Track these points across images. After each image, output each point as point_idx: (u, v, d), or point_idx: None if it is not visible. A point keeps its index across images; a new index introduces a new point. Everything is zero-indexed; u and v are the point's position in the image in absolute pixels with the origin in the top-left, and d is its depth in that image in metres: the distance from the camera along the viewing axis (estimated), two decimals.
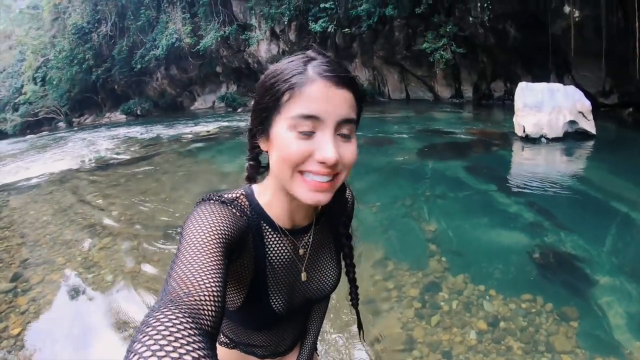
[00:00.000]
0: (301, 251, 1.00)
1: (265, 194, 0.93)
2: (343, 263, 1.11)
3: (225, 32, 21.72)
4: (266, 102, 0.81)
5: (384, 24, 16.39)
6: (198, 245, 0.71)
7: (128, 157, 11.44)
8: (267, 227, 0.94)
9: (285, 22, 19.17)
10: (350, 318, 3.21)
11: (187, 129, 16.06)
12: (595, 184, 6.22)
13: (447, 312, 3.33)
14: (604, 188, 5.99)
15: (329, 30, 17.53)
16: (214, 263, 0.68)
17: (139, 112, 29.85)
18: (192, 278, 0.63)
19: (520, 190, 6.07)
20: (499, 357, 2.87)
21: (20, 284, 4.26)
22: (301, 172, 0.79)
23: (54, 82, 32.13)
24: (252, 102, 0.87)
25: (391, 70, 17.90)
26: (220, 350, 1.15)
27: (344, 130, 0.80)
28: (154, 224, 5.43)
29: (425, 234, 4.69)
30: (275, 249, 0.95)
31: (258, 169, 0.97)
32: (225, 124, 16.60)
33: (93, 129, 24.17)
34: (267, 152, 0.86)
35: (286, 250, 0.97)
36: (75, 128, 30.05)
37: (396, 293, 3.58)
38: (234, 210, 0.87)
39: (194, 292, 0.60)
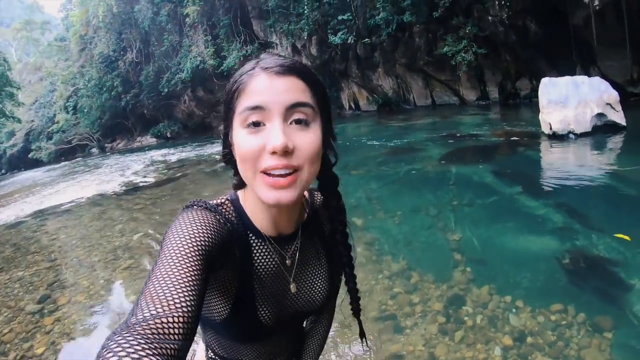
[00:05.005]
0: (288, 261, 0.96)
1: (249, 200, 0.90)
2: (341, 275, 1.07)
3: (247, 51, 21.98)
4: (226, 107, 0.83)
5: (404, 30, 16.29)
6: (175, 256, 0.68)
7: (155, 179, 11.70)
8: (252, 236, 0.90)
9: (305, 37, 19.26)
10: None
11: (214, 149, 16.24)
12: (629, 180, 5.81)
13: (471, 327, 3.18)
14: (639, 184, 5.59)
15: (348, 41, 17.55)
16: (190, 277, 0.65)
17: (168, 134, 30.67)
18: (163, 296, 0.61)
19: (548, 191, 5.78)
20: None
21: (47, 305, 4.35)
22: (263, 173, 0.76)
23: (85, 110, 33.48)
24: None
25: (414, 76, 17.77)
26: None
27: (299, 115, 0.78)
28: None
29: (450, 244, 4.49)
30: (262, 258, 0.91)
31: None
32: None
33: (125, 153, 24.77)
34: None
35: (273, 260, 0.93)
36: (108, 153, 30.98)
37: (421, 307, 3.42)
38: (218, 217, 0.83)
39: (162, 313, 0.58)
